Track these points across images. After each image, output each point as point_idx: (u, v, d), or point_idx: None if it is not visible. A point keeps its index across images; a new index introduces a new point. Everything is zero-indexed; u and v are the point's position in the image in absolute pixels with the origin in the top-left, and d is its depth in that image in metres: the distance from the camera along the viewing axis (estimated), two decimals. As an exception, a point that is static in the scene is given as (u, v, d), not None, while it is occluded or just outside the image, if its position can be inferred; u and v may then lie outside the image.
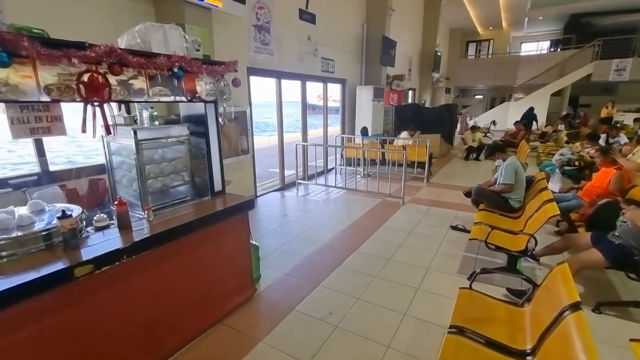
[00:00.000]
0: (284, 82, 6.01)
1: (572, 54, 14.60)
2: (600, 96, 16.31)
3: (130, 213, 2.02)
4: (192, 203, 2.49)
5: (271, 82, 5.90)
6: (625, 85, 14.77)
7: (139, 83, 1.92)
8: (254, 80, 5.40)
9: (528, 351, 1.67)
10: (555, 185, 5.27)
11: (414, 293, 2.85)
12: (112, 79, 1.75)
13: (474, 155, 8.96)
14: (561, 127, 9.66)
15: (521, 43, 20.37)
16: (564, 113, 13.39)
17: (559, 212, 2.64)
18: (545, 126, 11.40)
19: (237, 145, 4.95)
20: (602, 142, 6.29)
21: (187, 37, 2.21)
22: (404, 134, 7.23)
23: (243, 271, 2.72)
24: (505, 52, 18.69)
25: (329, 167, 7.86)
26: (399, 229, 4.31)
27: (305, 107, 6.81)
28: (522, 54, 18.64)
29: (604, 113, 11.72)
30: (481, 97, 20.12)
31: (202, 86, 2.31)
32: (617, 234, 2.54)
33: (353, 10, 7.90)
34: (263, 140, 17.13)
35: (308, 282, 3.04)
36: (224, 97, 2.40)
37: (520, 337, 1.80)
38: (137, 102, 2.11)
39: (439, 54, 13.87)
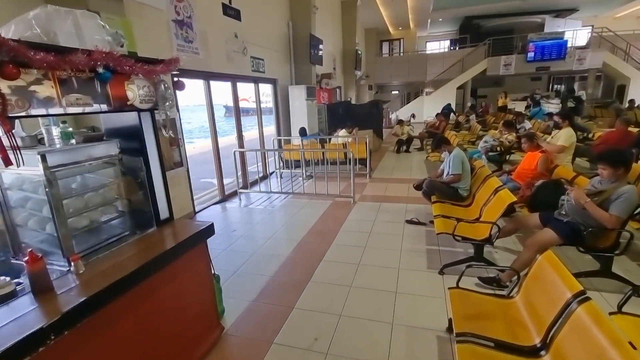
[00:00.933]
0: (213, 83, 5.45)
1: (469, 52, 16.58)
2: (493, 88, 18.96)
3: (48, 267, 1.46)
4: (135, 239, 1.96)
5: (198, 84, 5.30)
6: (511, 78, 17.37)
7: (46, 90, 1.37)
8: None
9: (538, 346, 1.66)
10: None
11: (394, 298, 2.75)
12: (3, 85, 1.21)
13: (404, 147, 9.48)
14: (472, 116, 10.85)
15: (426, 42, 22.47)
16: (469, 104, 15.14)
17: (515, 199, 2.79)
18: (458, 116, 12.70)
19: (169, 158, 4.28)
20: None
21: (107, 27, 1.70)
22: (343, 131, 7.24)
23: (207, 310, 2.28)
24: (415, 50, 20.40)
25: (268, 172, 7.48)
26: (358, 230, 4.22)
27: (238, 109, 6.31)
28: (428, 52, 20.57)
29: (500, 102, 13.57)
30: (397, 92, 21.66)
31: (135, 91, 1.81)
32: (563, 212, 2.79)
33: (277, 7, 7.60)
34: (187, 148, 15.73)
35: (281, 307, 2.71)
36: (167, 103, 1.93)
37: (522, 333, 1.79)
38: (44, 116, 1.53)
39: (360, 52, 14.42)
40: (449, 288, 2.16)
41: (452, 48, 20.61)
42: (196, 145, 16.02)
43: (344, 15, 13.22)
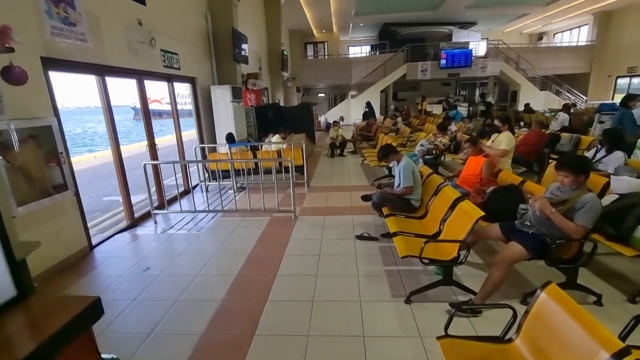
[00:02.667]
0: (111, 80, 4.32)
1: (390, 57, 17.36)
2: (411, 92, 20.28)
3: None
4: None
5: (90, 79, 4.12)
6: (426, 83, 18.74)
7: None
8: (60, 77, 3.60)
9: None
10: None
11: (362, 345, 2.24)
12: None
13: (338, 151, 9.23)
14: (399, 119, 11.17)
15: (349, 46, 23.02)
16: (393, 107, 15.79)
17: (483, 214, 2.53)
18: (384, 119, 13.04)
19: (43, 180, 3.12)
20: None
21: None
22: (276, 137, 6.58)
23: None
24: (339, 53, 20.69)
25: (191, 185, 6.43)
26: (305, 253, 3.64)
27: (147, 112, 5.20)
28: (351, 56, 21.06)
29: (420, 106, 14.39)
30: (324, 95, 21.74)
31: None
32: (527, 223, 2.62)
33: (192, -6, 6.60)
34: (86, 159, 13.29)
35: (218, 385, 1.98)
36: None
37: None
38: None
39: (286, 53, 13.89)
40: (437, 338, 1.72)
41: (373, 53, 21.45)
42: (99, 155, 13.65)
43: (268, 13, 12.54)
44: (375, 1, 14.59)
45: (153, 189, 5.10)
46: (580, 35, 19.16)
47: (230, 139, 5.99)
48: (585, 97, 17.25)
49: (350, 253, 3.57)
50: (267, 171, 6.27)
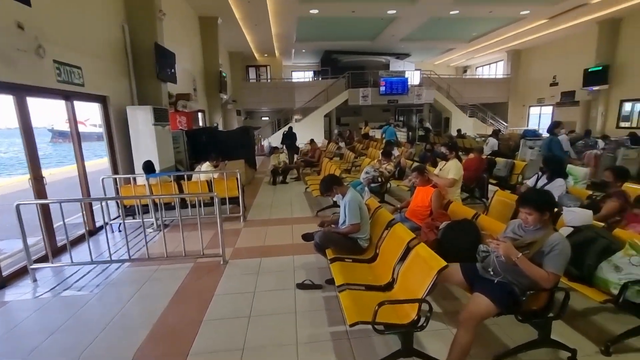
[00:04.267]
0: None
1: (332, 83, 17.58)
2: (353, 117, 20.71)
3: None
4: None
5: None
6: (367, 108, 19.29)
7: None
8: None
9: None
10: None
11: None
12: None
13: (281, 178, 8.62)
14: (342, 144, 11.00)
15: (292, 71, 23.06)
16: (336, 131, 15.79)
17: (444, 264, 2.08)
18: (328, 143, 12.85)
19: None
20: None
21: None
22: (206, 165, 5.76)
23: None
24: (282, 78, 20.52)
25: (96, 226, 5.27)
26: (231, 315, 2.87)
27: (30, 135, 4.10)
28: (294, 80, 21.03)
29: (363, 130, 14.56)
30: (267, 118, 21.23)
31: None
32: (491, 271, 2.23)
33: (104, 3, 5.70)
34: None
35: None
36: None
37: None
38: None
39: (224, 75, 13.19)
40: None
41: (315, 78, 21.71)
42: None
43: (204, 33, 11.85)
44: (315, 29, 14.75)
45: (30, 239, 3.95)
46: (498, 69, 21.50)
47: (148, 168, 5.04)
48: (506, 124, 19.11)
49: (289, 309, 2.90)
50: (195, 204, 5.41)
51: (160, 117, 6.09)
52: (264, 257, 4.04)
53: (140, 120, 5.85)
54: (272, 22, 13.23)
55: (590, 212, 2.82)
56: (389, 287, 2.49)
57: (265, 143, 16.59)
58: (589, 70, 13.67)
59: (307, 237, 3.45)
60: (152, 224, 5.16)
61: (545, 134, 9.14)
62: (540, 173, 3.97)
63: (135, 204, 4.92)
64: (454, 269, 2.46)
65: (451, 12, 12.44)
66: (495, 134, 10.46)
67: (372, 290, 2.48)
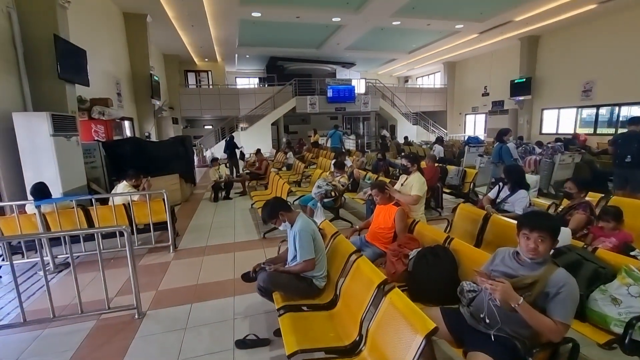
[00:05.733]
0: None
1: (279, 90, 16.95)
2: (302, 124, 20.26)
3: None
4: None
5: None
6: (316, 116, 18.98)
7: None
8: None
9: None
10: (320, 220, 4.80)
11: None
12: None
13: (223, 194, 7.71)
14: (289, 154, 10.37)
15: (236, 77, 21.97)
16: (285, 140, 15.15)
17: (434, 326, 1.53)
18: (276, 153, 12.14)
19: None
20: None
21: None
22: (122, 186, 4.71)
23: None
24: (225, 84, 19.37)
25: (-33, 271, 3.96)
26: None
27: None
28: (239, 87, 19.99)
29: (313, 139, 14.12)
30: (211, 127, 19.86)
31: None
32: (487, 320, 1.75)
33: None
34: None
35: None
36: None
37: None
38: None
39: (157, 78, 11.84)
40: None
41: (261, 85, 20.91)
42: None
43: (131, 32, 10.48)
44: (259, 33, 14.06)
45: None
46: (436, 80, 22.71)
47: (38, 192, 3.88)
48: (446, 131, 20.12)
49: (225, 384, 2.16)
50: (111, 234, 4.36)
51: (63, 126, 4.89)
52: (196, 303, 3.21)
53: (35, 130, 4.62)
54: (211, 24, 12.26)
55: (568, 229, 2.54)
56: (355, 349, 1.89)
57: (207, 154, 15.32)
58: (515, 81, 14.86)
59: (247, 277, 2.73)
60: (49, 264, 4.00)
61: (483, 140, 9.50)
62: (501, 184, 3.75)
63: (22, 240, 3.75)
64: (434, 316, 1.95)
65: (393, 23, 12.65)
66: (440, 140, 10.67)
67: (334, 356, 1.86)
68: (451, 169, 6.35)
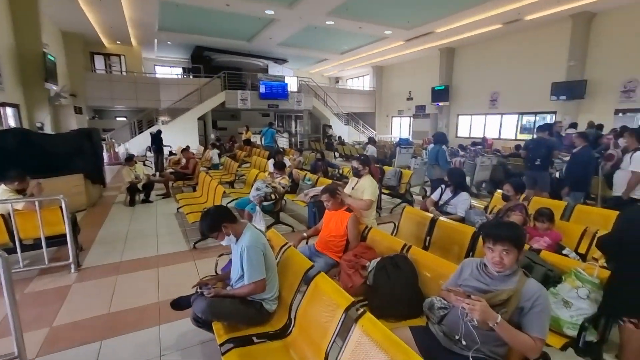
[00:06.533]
0: None
1: (206, 82, 15.68)
2: (231, 121, 19.16)
3: None
4: None
5: None
6: (247, 113, 18.12)
7: None
8: None
9: None
10: (260, 226, 4.39)
11: None
12: None
13: (142, 196, 6.69)
14: (213, 152, 9.45)
15: (155, 65, 19.79)
16: (213, 136, 14.07)
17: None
18: (204, 150, 11.16)
19: None
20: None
21: None
22: (1, 190, 3.62)
23: None
24: (142, 71, 17.23)
25: None
26: None
27: None
28: (159, 76, 17.98)
29: (245, 136, 13.38)
30: (125, 119, 17.51)
31: None
32: (463, 341, 1.60)
33: None
34: None
35: None
36: None
37: None
38: None
39: (51, 58, 9.86)
40: None
41: (186, 76, 19.17)
42: None
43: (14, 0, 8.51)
44: (182, 19, 12.77)
45: None
46: (365, 82, 23.66)
47: None
48: (375, 132, 21.09)
49: None
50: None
51: None
52: (108, 338, 2.55)
53: None
54: (123, 2, 10.68)
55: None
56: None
57: (121, 149, 13.42)
58: (435, 88, 16.24)
59: (179, 304, 2.23)
60: None
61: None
62: (443, 186, 3.83)
63: None
64: (406, 339, 1.76)
65: (327, 23, 12.67)
66: (373, 141, 11.00)
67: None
68: (388, 169, 6.47)
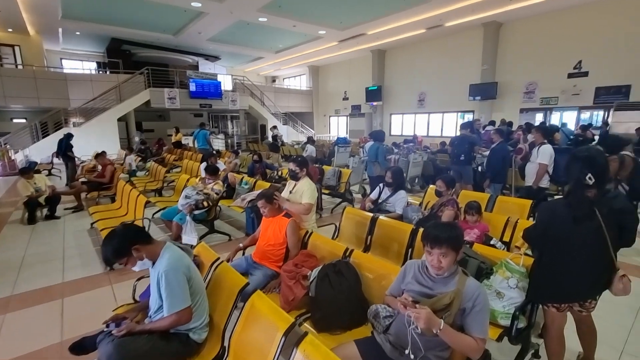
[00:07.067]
0: None
1: (126, 79, 14.10)
2: (159, 122, 17.60)
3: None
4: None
5: None
6: (177, 113, 16.81)
7: None
8: None
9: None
10: (191, 237, 3.98)
11: None
12: None
13: (46, 211, 5.68)
14: (131, 158, 8.45)
15: (61, 59, 17.27)
16: (138, 139, 12.72)
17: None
18: (126, 156, 9.97)
19: None
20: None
21: None
22: None
23: None
24: (44, 65, 14.85)
25: None
26: None
27: None
28: (67, 71, 15.68)
29: (174, 138, 12.34)
30: (24, 121, 14.95)
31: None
32: (409, 353, 1.52)
33: None
34: None
35: None
36: None
37: None
38: None
39: None
40: None
41: (101, 71, 17.06)
42: None
43: None
44: (93, 7, 11.31)
45: None
46: (302, 82, 23.65)
47: None
48: (313, 131, 21.19)
49: None
50: None
51: None
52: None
53: None
54: (13, -20, 9.04)
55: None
56: None
57: (18, 157, 11.40)
58: (369, 88, 16.87)
59: (83, 347, 1.81)
60: None
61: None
62: (381, 185, 3.86)
63: None
64: (352, 355, 1.64)
65: (260, 19, 12.29)
66: (312, 141, 10.96)
67: None
68: (328, 169, 6.43)
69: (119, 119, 13.83)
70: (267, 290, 2.45)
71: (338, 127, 20.98)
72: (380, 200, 3.77)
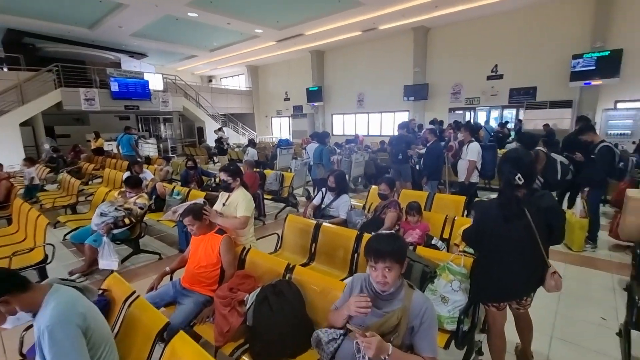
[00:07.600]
0: None
1: (29, 77, 12.14)
2: (76, 126, 15.55)
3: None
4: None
5: None
6: (98, 116, 14.99)
7: None
8: None
9: None
10: (110, 261, 3.44)
11: None
12: None
13: None
14: (30, 170, 7.06)
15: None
16: (48, 146, 11.02)
17: None
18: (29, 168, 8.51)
19: None
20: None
21: None
22: None
23: None
24: None
25: None
26: None
27: None
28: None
29: (94, 145, 10.94)
30: None
31: None
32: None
33: None
34: None
35: None
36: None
37: None
38: None
39: None
40: None
41: (-3, 68, 14.49)
42: None
43: None
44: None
45: None
46: (241, 82, 22.81)
47: None
48: (256, 133, 20.57)
49: None
50: None
51: None
52: None
53: None
54: None
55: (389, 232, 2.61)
56: None
57: None
58: (309, 89, 16.85)
59: None
60: None
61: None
62: (324, 190, 3.72)
63: None
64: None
65: (189, 14, 11.47)
66: (253, 143, 10.53)
67: None
68: (269, 173, 6.15)
69: (23, 124, 11.85)
70: (199, 321, 2.14)
71: (281, 128, 20.66)
72: (323, 205, 3.63)
